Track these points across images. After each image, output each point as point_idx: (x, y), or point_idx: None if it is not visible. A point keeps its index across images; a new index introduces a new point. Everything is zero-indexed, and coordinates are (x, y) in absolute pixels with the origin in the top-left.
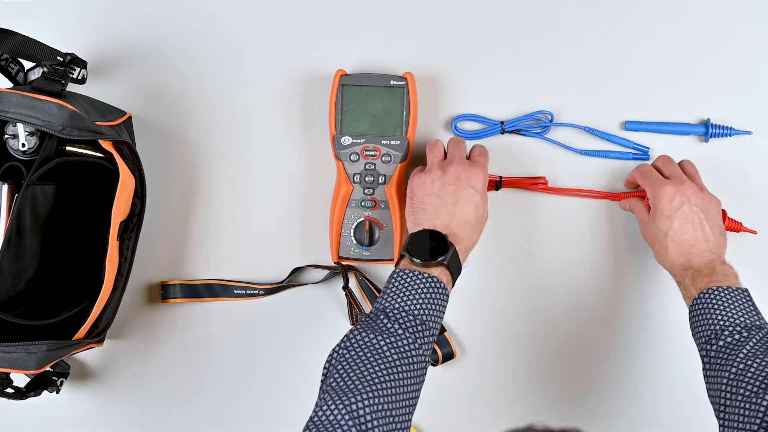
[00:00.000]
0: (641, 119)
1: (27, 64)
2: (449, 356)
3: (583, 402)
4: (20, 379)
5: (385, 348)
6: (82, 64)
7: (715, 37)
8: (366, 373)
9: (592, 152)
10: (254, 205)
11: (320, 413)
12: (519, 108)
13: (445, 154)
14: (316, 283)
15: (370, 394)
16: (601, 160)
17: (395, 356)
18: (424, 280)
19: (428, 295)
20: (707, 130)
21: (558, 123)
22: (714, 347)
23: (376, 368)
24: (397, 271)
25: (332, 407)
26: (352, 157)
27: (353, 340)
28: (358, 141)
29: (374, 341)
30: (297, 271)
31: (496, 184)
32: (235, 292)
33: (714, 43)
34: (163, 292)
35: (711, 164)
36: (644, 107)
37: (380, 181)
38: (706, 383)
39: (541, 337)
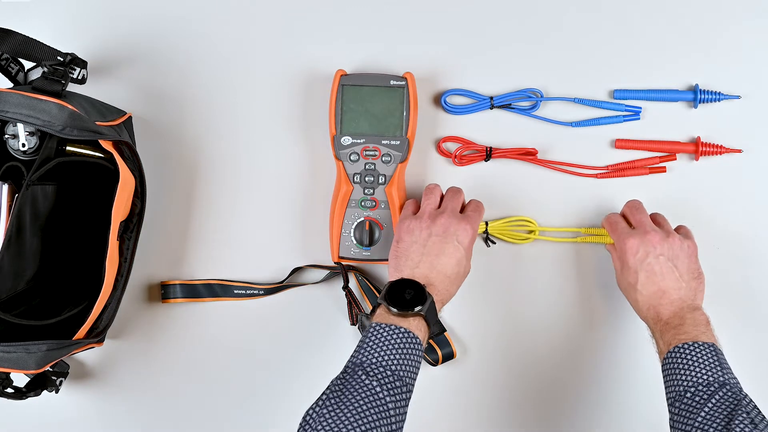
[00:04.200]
0: (630, 87)
1: (27, 64)
2: (449, 356)
3: (580, 401)
4: (20, 379)
5: (363, 406)
6: (82, 64)
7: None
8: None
9: (583, 122)
10: (254, 204)
11: None
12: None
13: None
14: (316, 283)
15: None
16: (593, 128)
17: (374, 414)
18: (401, 335)
19: (405, 351)
20: (696, 95)
21: (548, 98)
22: (678, 406)
23: (356, 426)
24: (374, 325)
25: None
26: (352, 157)
27: (331, 399)
28: (358, 141)
29: (352, 400)
30: (297, 271)
31: (486, 154)
32: (235, 292)
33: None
34: (163, 292)
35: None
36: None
37: (380, 181)
38: None
39: (543, 334)
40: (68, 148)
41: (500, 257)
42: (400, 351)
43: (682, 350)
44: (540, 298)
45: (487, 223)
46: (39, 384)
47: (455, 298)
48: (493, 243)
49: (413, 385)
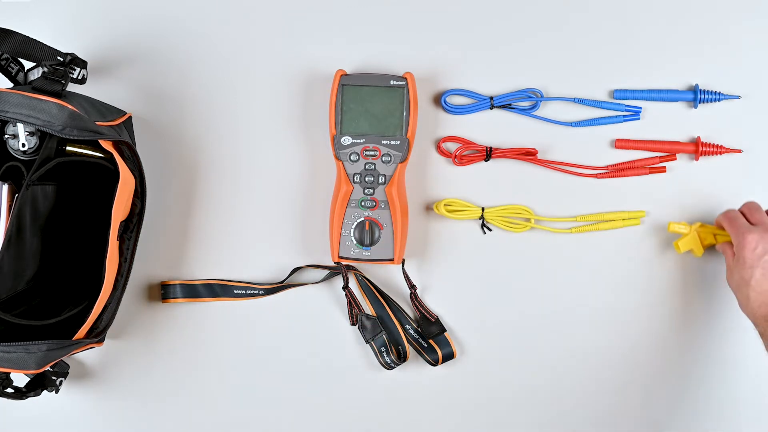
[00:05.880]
0: (630, 87)
1: (27, 64)
2: (449, 356)
3: (580, 398)
4: (20, 379)
5: None
6: (82, 64)
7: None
8: None
9: (583, 122)
10: (254, 205)
11: None
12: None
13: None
14: (316, 283)
15: None
16: (593, 128)
17: None
18: None
19: None
20: (696, 95)
21: (548, 98)
22: None
23: None
24: None
25: None
26: (352, 157)
27: None
28: (358, 141)
29: None
30: (297, 271)
31: (486, 154)
32: (235, 292)
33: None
34: (163, 292)
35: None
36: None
37: (380, 181)
38: None
39: (543, 335)
40: (68, 148)
41: (499, 251)
42: None
43: None
44: (539, 293)
45: (483, 209)
46: (39, 384)
47: (452, 293)
48: (489, 230)
49: None
